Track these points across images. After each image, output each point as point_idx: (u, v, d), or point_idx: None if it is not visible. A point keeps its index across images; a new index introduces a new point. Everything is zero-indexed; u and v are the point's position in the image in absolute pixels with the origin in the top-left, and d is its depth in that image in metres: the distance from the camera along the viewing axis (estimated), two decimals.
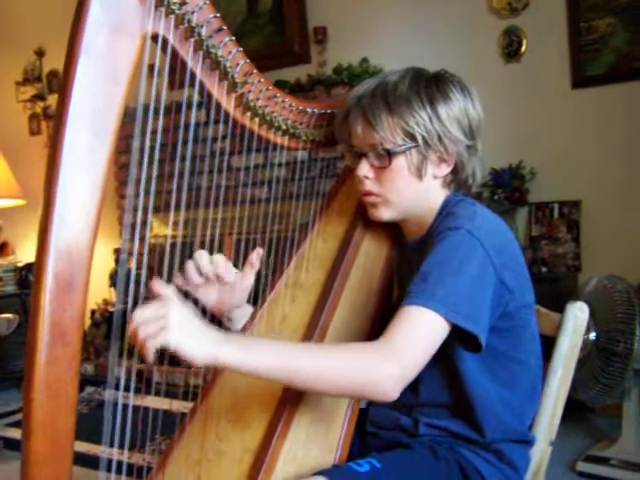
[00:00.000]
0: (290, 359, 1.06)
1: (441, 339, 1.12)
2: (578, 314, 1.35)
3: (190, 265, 1.28)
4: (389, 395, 1.07)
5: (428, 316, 1.10)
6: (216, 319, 1.34)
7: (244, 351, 1.04)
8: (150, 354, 0.97)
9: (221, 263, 1.29)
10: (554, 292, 3.23)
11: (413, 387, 1.15)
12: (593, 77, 3.44)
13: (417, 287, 1.13)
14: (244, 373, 1.04)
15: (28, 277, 4.64)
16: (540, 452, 1.37)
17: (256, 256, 1.31)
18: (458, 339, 1.15)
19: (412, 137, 1.26)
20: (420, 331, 1.10)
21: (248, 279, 1.33)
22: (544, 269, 3.55)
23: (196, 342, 1.00)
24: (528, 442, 1.35)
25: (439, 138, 1.26)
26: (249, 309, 1.42)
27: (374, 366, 1.07)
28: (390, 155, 1.27)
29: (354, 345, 1.16)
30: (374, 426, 1.38)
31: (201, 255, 1.28)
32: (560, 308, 1.38)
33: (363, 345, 1.13)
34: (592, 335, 2.49)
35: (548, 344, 1.37)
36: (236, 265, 1.32)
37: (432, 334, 1.11)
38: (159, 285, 1.04)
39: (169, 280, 1.14)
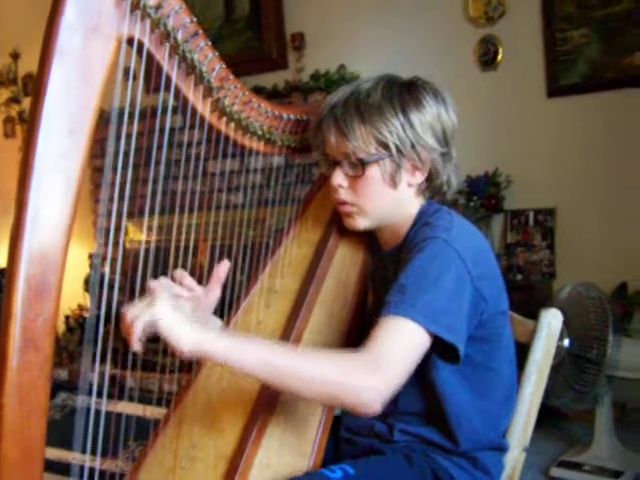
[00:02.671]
0: (278, 358, 1.06)
1: (423, 350, 1.12)
2: (552, 321, 1.36)
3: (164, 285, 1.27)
4: (371, 407, 1.07)
5: (409, 326, 1.10)
6: None
7: (232, 343, 1.04)
8: (137, 335, 0.98)
9: (186, 276, 1.28)
10: (529, 299, 3.25)
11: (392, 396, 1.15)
12: (567, 87, 3.48)
13: (396, 298, 1.13)
14: (228, 365, 1.04)
15: (0, 281, 4.59)
16: (514, 458, 1.38)
17: (223, 269, 1.28)
18: (436, 350, 1.15)
19: (385, 146, 1.26)
20: (401, 342, 1.10)
21: (215, 292, 1.29)
22: (519, 276, 3.57)
23: (184, 327, 1.01)
24: (502, 449, 1.35)
25: (412, 146, 1.26)
26: (218, 322, 1.40)
27: (357, 379, 1.06)
28: (363, 164, 1.27)
29: (339, 355, 1.15)
30: (349, 432, 1.37)
31: (162, 281, 1.27)
32: (534, 315, 1.39)
33: (347, 356, 1.11)
34: (565, 342, 2.50)
35: (522, 351, 1.38)
36: (211, 270, 1.31)
37: (414, 345, 1.11)
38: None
39: (143, 285, 1.13)
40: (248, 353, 1.04)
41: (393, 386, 1.08)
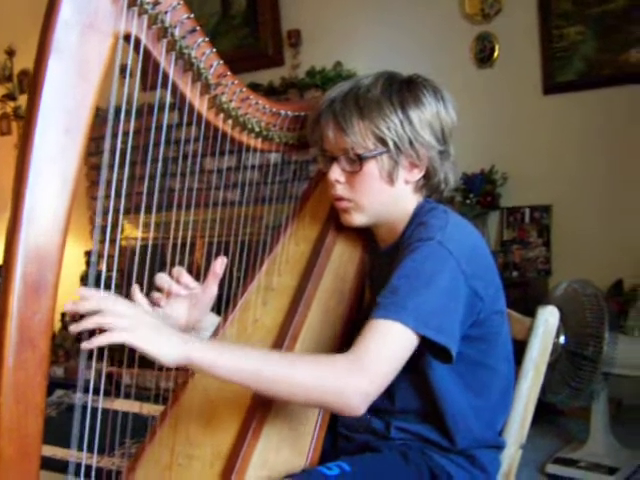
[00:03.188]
0: (262, 365, 1.06)
1: (410, 352, 1.12)
2: (549, 318, 1.36)
3: (160, 281, 1.28)
4: (355, 409, 1.08)
5: (397, 329, 1.10)
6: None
7: (217, 353, 1.04)
8: (97, 344, 0.96)
9: (183, 274, 1.29)
10: (524, 296, 3.26)
11: (388, 394, 1.15)
12: (564, 84, 3.48)
13: (387, 300, 1.13)
14: (213, 375, 1.04)
15: None
16: (510, 456, 1.38)
17: (219, 265, 1.29)
18: (429, 350, 1.15)
19: (383, 142, 1.25)
20: (389, 345, 1.10)
21: (212, 288, 1.30)
22: (515, 273, 3.58)
23: (166, 341, 1.00)
24: (499, 447, 1.36)
25: (410, 143, 1.26)
26: (215, 318, 1.40)
27: (342, 381, 1.07)
28: (361, 160, 1.27)
29: (324, 357, 1.16)
30: (346, 429, 1.37)
31: (161, 277, 1.28)
32: (530, 312, 1.39)
33: (333, 358, 1.13)
34: (562, 339, 2.51)
35: (519, 348, 1.38)
36: (207, 267, 1.31)
37: (401, 347, 1.11)
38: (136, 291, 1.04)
39: (140, 282, 1.13)
40: (236, 364, 1.05)
41: (378, 387, 1.08)
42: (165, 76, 1.11)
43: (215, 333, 1.37)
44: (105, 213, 1.04)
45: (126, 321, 0.98)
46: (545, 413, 2.94)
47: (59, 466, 2.29)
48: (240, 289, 1.45)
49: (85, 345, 0.96)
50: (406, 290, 1.13)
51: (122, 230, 3.76)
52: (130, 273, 1.12)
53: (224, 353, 1.05)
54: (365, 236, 1.45)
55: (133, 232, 3.78)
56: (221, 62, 1.19)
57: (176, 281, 1.29)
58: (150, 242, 1.25)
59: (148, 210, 1.21)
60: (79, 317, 0.97)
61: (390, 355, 1.10)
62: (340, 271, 1.43)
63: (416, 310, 1.11)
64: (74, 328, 0.97)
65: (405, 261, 1.18)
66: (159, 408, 1.33)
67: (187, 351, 1.01)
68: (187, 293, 1.29)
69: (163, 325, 1.03)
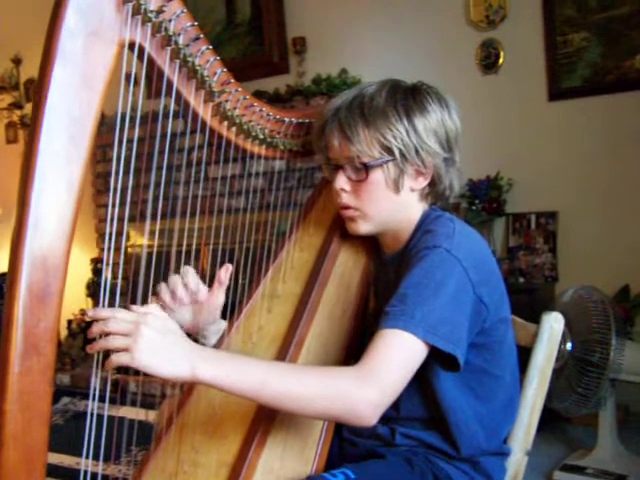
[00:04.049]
0: (270, 380, 1.05)
1: (420, 361, 1.12)
2: (554, 324, 1.36)
3: (164, 289, 1.28)
4: (367, 420, 1.07)
5: (406, 339, 1.09)
6: (191, 337, 1.32)
7: (223, 370, 1.03)
8: (111, 365, 0.97)
9: (192, 280, 1.29)
10: (531, 302, 3.25)
11: (393, 402, 1.15)
12: (569, 90, 3.48)
13: (395, 309, 1.13)
14: (220, 389, 1.03)
15: (2, 287, 4.59)
16: (516, 462, 1.37)
17: (224, 273, 1.30)
18: (436, 358, 1.15)
19: (389, 150, 1.25)
20: (398, 355, 1.09)
21: (218, 297, 1.32)
22: (521, 279, 3.57)
23: (169, 362, 0.99)
24: (504, 454, 1.35)
25: (416, 151, 1.26)
26: (223, 324, 1.40)
27: (352, 392, 1.06)
28: (367, 168, 1.27)
29: (333, 370, 1.16)
30: (352, 434, 1.37)
31: (175, 279, 1.28)
32: (537, 318, 1.39)
33: (342, 369, 1.13)
34: (568, 345, 2.50)
35: (524, 354, 1.38)
36: (213, 274, 1.31)
37: (410, 357, 1.11)
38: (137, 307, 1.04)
39: (145, 290, 1.13)
40: (243, 380, 1.03)
41: (388, 397, 1.08)
42: (169, 84, 1.11)
43: (220, 340, 1.37)
44: (111, 220, 1.03)
45: (128, 341, 0.96)
46: (552, 420, 2.94)
47: (65, 474, 2.30)
48: (245, 296, 1.45)
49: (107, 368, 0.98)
50: (414, 299, 1.13)
51: (127, 238, 3.77)
52: (136, 280, 1.12)
53: (229, 367, 1.03)
54: (370, 244, 1.45)
55: (138, 240, 3.78)
56: (224, 70, 1.19)
57: (182, 280, 1.29)
58: (155, 249, 1.25)
59: (153, 217, 1.21)
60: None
61: (400, 365, 1.09)
62: (345, 278, 1.43)
63: (424, 319, 1.10)
64: (89, 350, 0.99)
65: (413, 269, 1.17)
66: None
67: (191, 369, 1.00)
68: (191, 299, 1.30)
69: (164, 342, 1.00)
